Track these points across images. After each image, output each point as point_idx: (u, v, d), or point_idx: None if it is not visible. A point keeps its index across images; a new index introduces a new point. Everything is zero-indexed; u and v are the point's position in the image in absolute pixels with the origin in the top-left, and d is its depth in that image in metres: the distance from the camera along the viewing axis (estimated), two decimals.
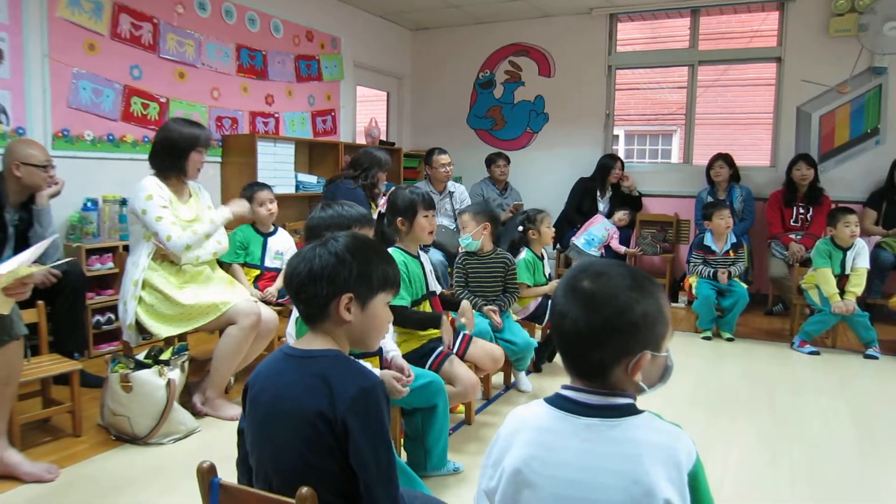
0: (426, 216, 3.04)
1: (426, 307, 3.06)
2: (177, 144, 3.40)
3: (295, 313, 2.30)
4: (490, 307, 3.68)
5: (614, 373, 1.22)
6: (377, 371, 2.44)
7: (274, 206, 4.20)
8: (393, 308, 2.79)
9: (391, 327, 2.91)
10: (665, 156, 12.37)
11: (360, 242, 1.57)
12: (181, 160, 3.42)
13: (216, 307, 3.32)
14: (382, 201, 3.58)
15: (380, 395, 1.42)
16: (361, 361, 2.37)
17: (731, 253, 5.30)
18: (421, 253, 3.17)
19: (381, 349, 2.58)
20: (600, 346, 1.21)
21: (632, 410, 1.23)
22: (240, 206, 3.71)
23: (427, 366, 2.93)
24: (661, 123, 11.84)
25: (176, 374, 3.11)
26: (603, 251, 6.13)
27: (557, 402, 1.27)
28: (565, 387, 1.28)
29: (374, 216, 3.00)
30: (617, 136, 8.61)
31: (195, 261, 3.43)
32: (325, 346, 1.51)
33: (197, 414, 3.37)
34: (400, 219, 3.03)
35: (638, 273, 1.26)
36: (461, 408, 3.41)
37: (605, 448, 1.19)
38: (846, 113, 6.33)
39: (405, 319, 2.92)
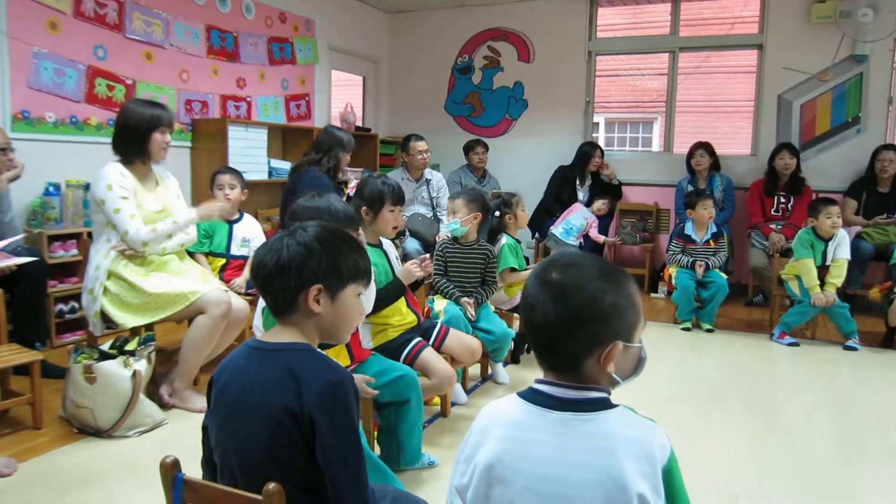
0: (392, 211, 2.99)
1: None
2: (137, 126, 3.34)
3: (261, 303, 2.25)
4: (466, 299, 3.66)
5: (587, 364, 1.23)
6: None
7: (234, 193, 4.09)
8: None
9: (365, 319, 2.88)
10: (645, 144, 12.40)
11: (329, 232, 1.56)
12: (143, 142, 3.35)
13: (184, 297, 3.27)
14: (352, 184, 3.55)
15: (348, 389, 1.41)
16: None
17: (711, 242, 5.33)
18: (384, 241, 3.13)
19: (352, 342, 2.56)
20: (571, 337, 1.22)
21: (606, 404, 1.24)
22: (207, 209, 3.56)
23: (402, 358, 2.91)
24: (642, 111, 11.88)
25: (142, 365, 3.06)
26: (581, 241, 6.14)
27: (530, 396, 1.27)
28: (538, 381, 1.28)
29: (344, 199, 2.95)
30: (597, 124, 8.63)
31: (161, 252, 3.38)
32: (293, 339, 1.50)
33: (164, 406, 3.32)
34: (365, 208, 2.97)
35: (607, 264, 1.28)
36: (437, 400, 3.40)
37: (579, 443, 1.19)
38: (827, 101, 6.37)
39: (375, 307, 2.89)
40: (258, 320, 2.25)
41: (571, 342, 1.22)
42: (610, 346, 1.21)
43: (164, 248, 3.39)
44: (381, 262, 3.01)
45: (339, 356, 2.48)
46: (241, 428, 1.43)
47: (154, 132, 3.36)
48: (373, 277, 2.74)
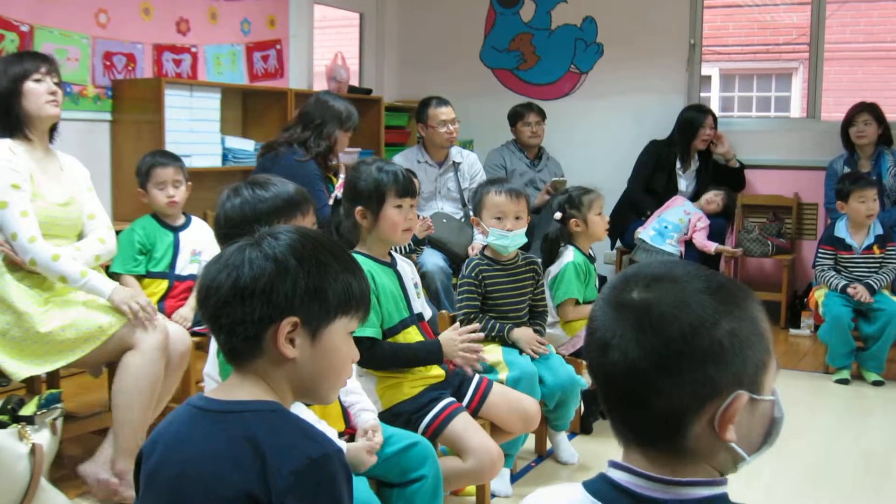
0: (399, 206, 3.04)
1: (409, 338, 3.07)
2: None
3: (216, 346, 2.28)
4: (528, 333, 3.69)
5: (693, 431, 1.20)
6: (335, 438, 2.45)
7: (179, 193, 4.15)
8: (360, 343, 2.82)
9: (359, 371, 2.94)
10: (781, 107, 12.34)
11: (310, 242, 1.60)
12: (13, 105, 3.41)
13: (100, 330, 3.33)
14: (340, 181, 3.56)
15: (336, 468, 1.45)
16: (313, 417, 2.40)
17: (875, 250, 5.31)
18: (398, 259, 3.18)
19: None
20: (667, 386, 1.18)
21: None
22: (123, 293, 3.45)
23: (422, 427, 2.94)
24: (775, 59, 11.83)
25: (44, 437, 3.06)
26: (682, 248, 6.12)
27: (602, 489, 1.25)
28: (615, 464, 1.26)
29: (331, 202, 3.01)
30: (707, 78, 8.60)
31: (56, 258, 3.44)
32: (254, 395, 1.54)
33: (104, 498, 3.35)
34: (360, 208, 3.03)
35: (717, 275, 1.27)
36: (471, 489, 3.40)
37: None
38: None
39: (384, 359, 2.95)
40: (212, 366, 2.29)
41: (668, 395, 1.18)
42: (730, 399, 1.18)
43: (57, 254, 3.42)
44: (393, 288, 3.06)
45: (329, 418, 2.52)
46: None
47: (24, 82, 3.41)
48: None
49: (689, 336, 1.18)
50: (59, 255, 3.37)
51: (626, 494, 1.22)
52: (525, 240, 3.75)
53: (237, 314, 1.52)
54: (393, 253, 3.20)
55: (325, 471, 1.43)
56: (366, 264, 2.98)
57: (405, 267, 3.20)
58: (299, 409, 2.44)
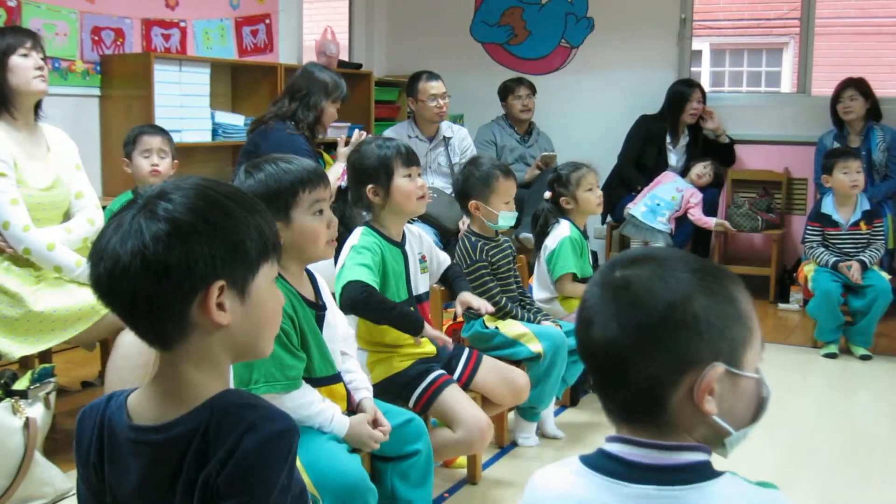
0: (408, 175, 3.08)
1: None
2: None
3: None
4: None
5: (673, 403, 1.24)
6: (339, 415, 2.51)
7: (164, 164, 4.11)
8: (354, 289, 2.85)
9: (352, 334, 2.96)
10: (771, 82, 12.35)
11: (210, 193, 1.46)
12: None
13: (93, 309, 3.35)
14: (342, 169, 3.54)
15: (291, 443, 1.43)
16: (318, 397, 2.44)
17: (862, 226, 5.31)
18: (411, 237, 3.21)
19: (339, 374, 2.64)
20: (645, 355, 1.22)
21: (706, 472, 1.25)
22: None
23: (413, 401, 2.99)
24: (765, 34, 11.83)
25: (38, 411, 3.11)
26: (673, 225, 6.15)
27: (599, 462, 1.29)
28: (611, 438, 1.31)
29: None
30: (698, 53, 8.59)
31: (50, 247, 3.47)
32: (185, 404, 1.48)
33: None
34: (371, 186, 3.06)
35: (700, 259, 1.31)
36: (462, 460, 3.45)
37: None
38: None
39: (370, 307, 2.93)
40: None
41: (647, 363, 1.22)
42: (706, 371, 1.21)
43: (52, 243, 3.46)
44: (397, 269, 3.10)
45: (334, 397, 2.56)
46: None
47: (10, 57, 3.40)
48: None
49: (663, 308, 1.22)
50: (54, 245, 3.41)
51: (617, 462, 1.27)
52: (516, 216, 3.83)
53: (155, 297, 1.38)
54: (407, 229, 3.23)
55: (280, 443, 1.41)
56: (375, 239, 3.04)
57: (413, 245, 3.22)
58: (306, 391, 2.48)
